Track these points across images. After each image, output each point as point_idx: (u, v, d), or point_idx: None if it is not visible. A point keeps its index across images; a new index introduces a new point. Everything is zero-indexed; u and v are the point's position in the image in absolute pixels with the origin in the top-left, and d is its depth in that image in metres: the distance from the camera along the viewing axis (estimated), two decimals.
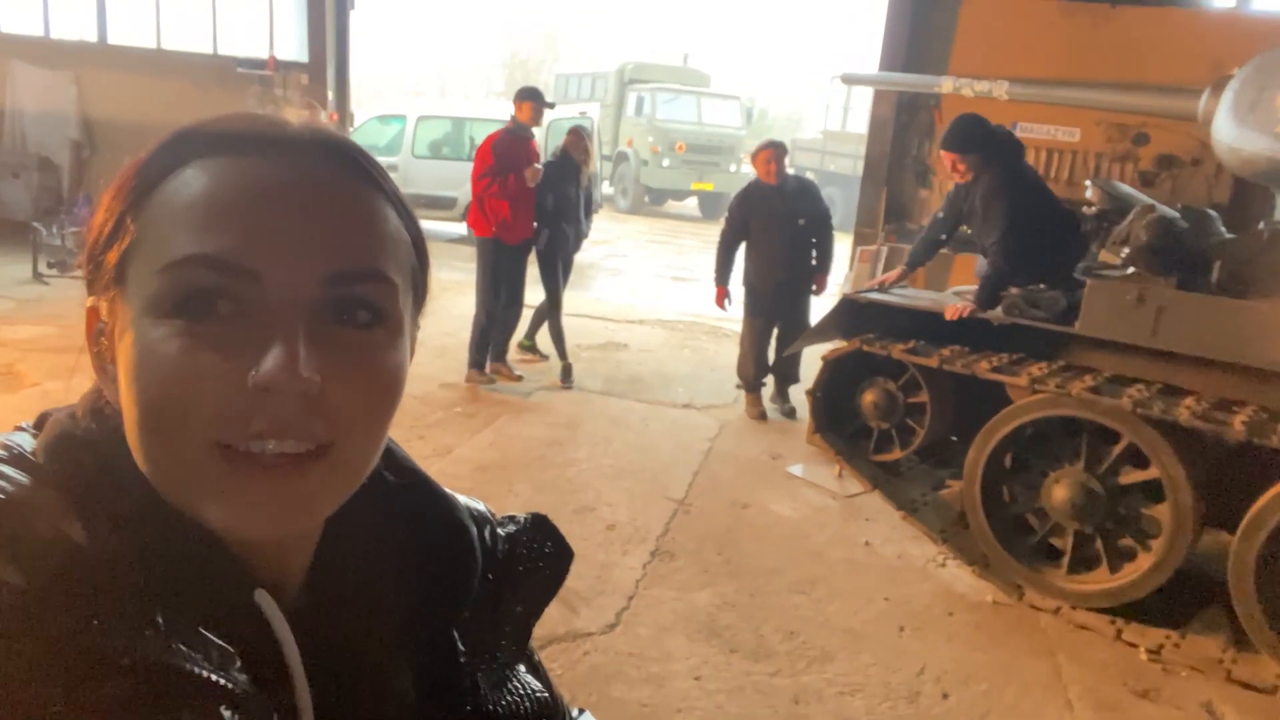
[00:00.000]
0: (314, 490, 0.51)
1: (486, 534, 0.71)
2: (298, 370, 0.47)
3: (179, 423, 0.48)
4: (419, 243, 0.58)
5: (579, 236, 6.33)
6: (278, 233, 0.49)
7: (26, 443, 0.53)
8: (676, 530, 4.08)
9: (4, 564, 0.43)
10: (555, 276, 6.15)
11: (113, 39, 9.78)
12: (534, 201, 5.85)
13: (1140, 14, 6.58)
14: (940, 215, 4.57)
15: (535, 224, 5.98)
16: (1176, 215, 3.76)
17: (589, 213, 6.45)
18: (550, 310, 6.24)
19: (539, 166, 5.78)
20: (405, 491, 0.66)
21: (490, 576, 0.70)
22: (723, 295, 5.95)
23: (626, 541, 3.92)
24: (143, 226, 0.51)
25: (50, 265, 8.10)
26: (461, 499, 0.71)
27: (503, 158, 5.63)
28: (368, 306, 0.52)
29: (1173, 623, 3.40)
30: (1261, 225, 3.53)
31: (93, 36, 9.76)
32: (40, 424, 0.55)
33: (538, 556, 0.73)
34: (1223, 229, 3.86)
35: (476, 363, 5.99)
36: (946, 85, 5.71)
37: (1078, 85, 5.43)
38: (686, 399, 6.13)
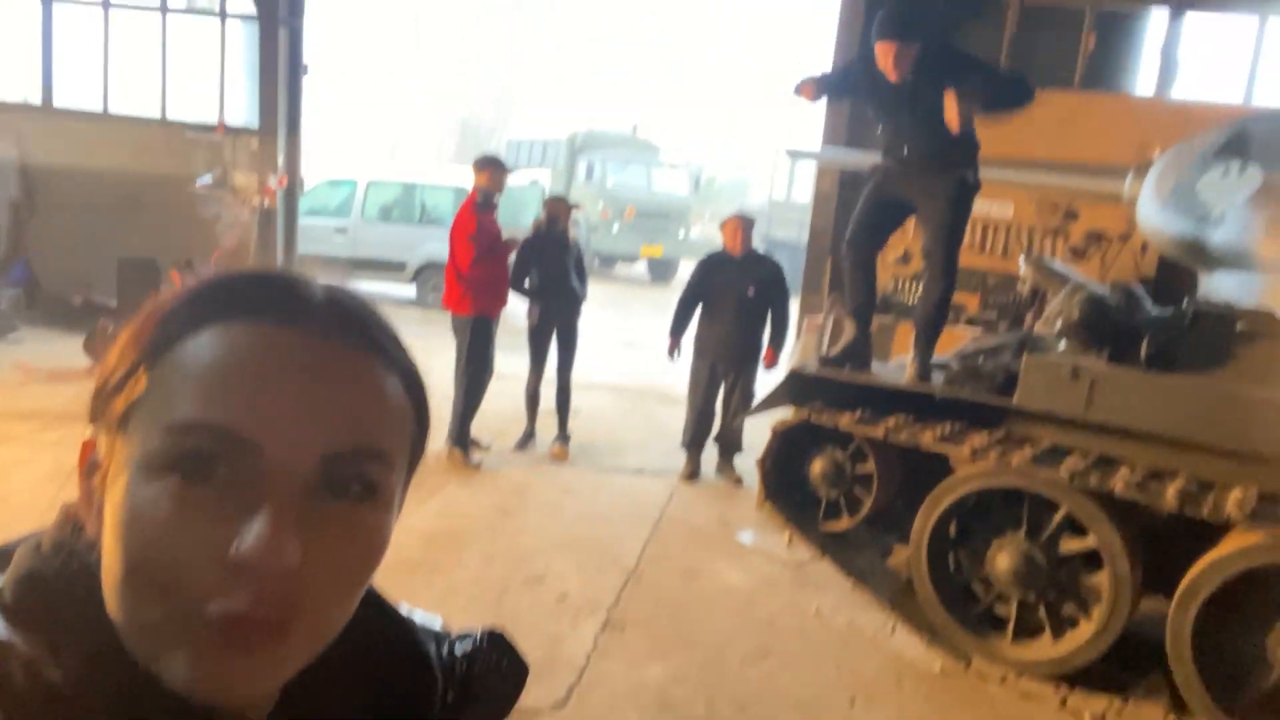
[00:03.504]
0: (281, 659, 0.51)
1: (444, 652, 0.72)
2: (281, 552, 0.48)
3: (159, 586, 0.49)
4: (422, 409, 0.59)
5: (575, 303, 6.17)
6: (282, 406, 0.50)
7: None
8: (628, 600, 4.06)
9: None
10: (543, 350, 6.14)
11: (59, 102, 9.67)
12: (508, 272, 5.89)
13: (1068, 97, 6.93)
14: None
15: (530, 302, 6.04)
16: (1105, 293, 3.92)
17: (583, 277, 6.24)
18: (531, 374, 6.18)
19: (515, 238, 5.83)
20: (365, 619, 0.66)
21: (449, 698, 0.70)
22: (674, 345, 6.09)
23: (577, 612, 3.88)
24: (155, 380, 0.52)
25: None
26: (419, 615, 0.72)
27: (482, 238, 5.60)
28: (361, 481, 0.53)
29: (1116, 689, 3.46)
30: (1185, 303, 3.69)
31: (37, 99, 9.65)
32: (1, 558, 0.55)
33: (494, 673, 0.74)
34: (1149, 305, 4.04)
35: (460, 440, 5.75)
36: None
37: (1010, 164, 5.66)
38: (638, 465, 6.14)
